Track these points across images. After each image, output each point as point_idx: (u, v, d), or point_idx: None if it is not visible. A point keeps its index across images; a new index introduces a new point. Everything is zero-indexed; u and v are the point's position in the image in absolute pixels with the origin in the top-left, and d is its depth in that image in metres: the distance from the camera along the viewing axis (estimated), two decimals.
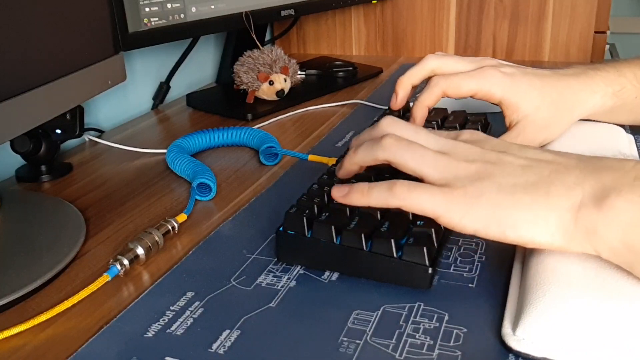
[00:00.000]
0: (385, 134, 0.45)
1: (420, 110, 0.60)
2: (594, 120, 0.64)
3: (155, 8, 0.77)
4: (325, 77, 1.03)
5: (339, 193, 0.45)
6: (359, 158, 0.46)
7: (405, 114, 0.68)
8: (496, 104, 0.60)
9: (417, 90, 0.67)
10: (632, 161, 0.39)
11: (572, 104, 0.60)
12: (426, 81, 0.63)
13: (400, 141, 0.44)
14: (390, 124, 0.46)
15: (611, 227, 0.37)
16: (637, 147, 0.64)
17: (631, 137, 0.64)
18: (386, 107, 0.74)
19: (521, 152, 0.43)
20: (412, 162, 0.43)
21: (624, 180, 0.37)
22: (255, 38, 0.90)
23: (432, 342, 0.39)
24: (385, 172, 0.50)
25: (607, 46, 1.24)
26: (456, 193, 0.41)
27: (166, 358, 0.38)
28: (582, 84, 0.61)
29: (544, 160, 0.42)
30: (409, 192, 0.42)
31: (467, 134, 0.46)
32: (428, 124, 0.63)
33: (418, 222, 0.45)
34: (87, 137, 0.80)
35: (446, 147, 0.44)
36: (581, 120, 0.63)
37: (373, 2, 1.16)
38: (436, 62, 0.62)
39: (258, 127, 0.80)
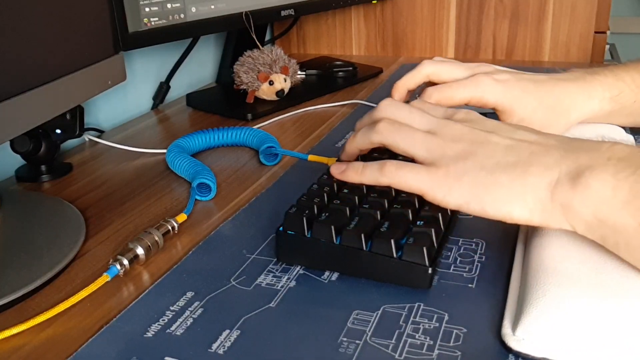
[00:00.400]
0: (382, 117, 0.48)
1: None
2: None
3: (155, 8, 0.77)
4: (325, 77, 1.03)
5: (336, 170, 0.49)
6: (357, 142, 0.50)
7: None
8: (492, 110, 0.60)
9: (414, 94, 0.67)
10: (608, 143, 0.41)
11: (568, 108, 0.61)
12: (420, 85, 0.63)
13: (393, 124, 0.47)
14: (387, 106, 0.49)
15: (585, 203, 0.39)
16: None
17: (631, 137, 0.64)
18: None
19: (508, 133, 0.45)
20: (402, 143, 0.46)
21: (599, 160, 0.39)
22: (255, 38, 0.90)
23: (432, 342, 0.39)
24: (375, 154, 0.52)
25: (607, 46, 1.24)
26: (440, 172, 0.43)
27: (166, 358, 0.38)
28: (580, 88, 0.61)
29: (527, 141, 0.44)
30: (397, 171, 0.45)
31: (463, 113, 0.48)
32: None
33: (418, 222, 0.45)
34: (87, 137, 0.80)
35: (437, 127, 0.46)
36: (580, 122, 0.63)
37: (373, 2, 1.16)
38: (431, 68, 0.64)
39: (258, 127, 0.80)
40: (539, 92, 0.60)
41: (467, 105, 0.61)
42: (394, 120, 0.48)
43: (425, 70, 0.64)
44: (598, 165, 0.39)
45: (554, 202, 0.40)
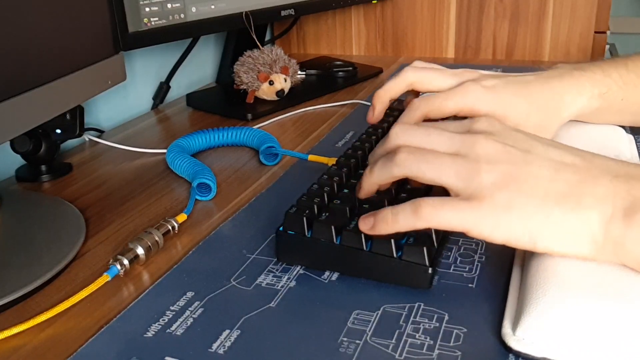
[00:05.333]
0: (397, 146, 0.43)
1: None
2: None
3: (155, 8, 0.77)
4: (325, 77, 1.03)
5: (365, 226, 0.44)
6: (375, 178, 0.45)
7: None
8: None
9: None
10: None
11: (559, 107, 0.59)
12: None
13: (414, 153, 0.42)
14: (399, 132, 0.45)
15: (638, 242, 0.37)
16: (637, 147, 0.64)
17: (631, 137, 0.64)
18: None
19: (546, 152, 0.41)
20: (429, 172, 0.42)
21: None
22: (255, 38, 0.90)
23: (432, 342, 0.39)
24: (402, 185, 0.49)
25: (607, 46, 1.24)
26: (484, 205, 0.39)
27: (166, 358, 0.38)
28: (568, 85, 0.60)
29: (571, 164, 0.41)
30: (436, 212, 0.40)
31: (484, 123, 0.44)
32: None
33: None
34: (87, 137, 0.80)
35: (464, 146, 0.42)
36: (577, 121, 0.62)
37: (373, 2, 1.16)
38: (414, 76, 0.59)
39: (258, 127, 0.80)
40: (529, 94, 0.58)
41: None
42: (414, 147, 0.43)
43: (408, 79, 0.59)
44: None
45: (607, 239, 0.38)
